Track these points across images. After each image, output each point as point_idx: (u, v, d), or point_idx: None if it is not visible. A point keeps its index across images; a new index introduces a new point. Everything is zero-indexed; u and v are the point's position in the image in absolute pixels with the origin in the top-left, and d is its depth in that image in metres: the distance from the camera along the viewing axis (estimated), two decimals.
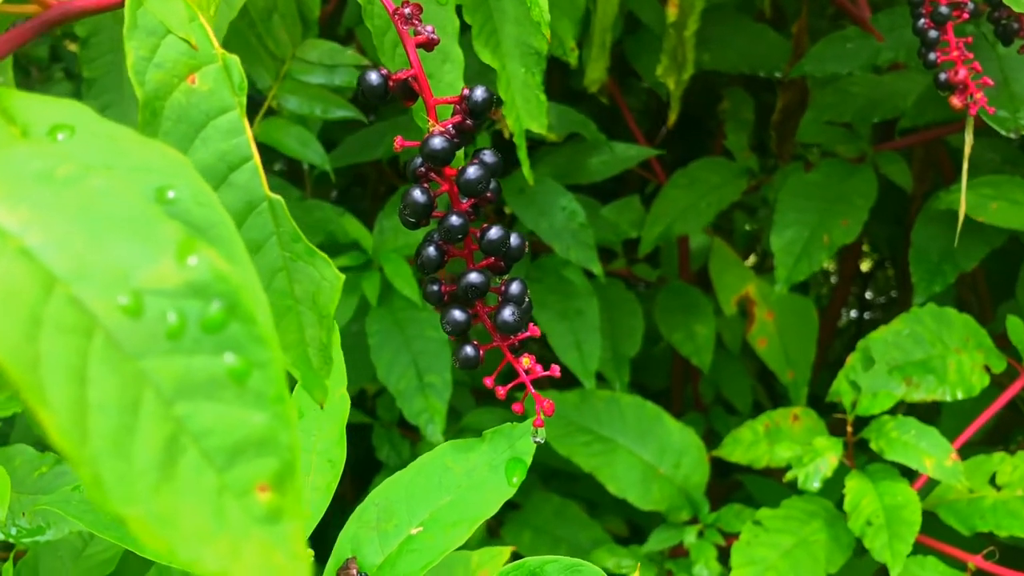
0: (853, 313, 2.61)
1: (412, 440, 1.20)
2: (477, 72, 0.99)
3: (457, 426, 1.20)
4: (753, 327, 1.35)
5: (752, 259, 2.14)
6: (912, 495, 0.88)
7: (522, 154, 0.76)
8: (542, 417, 0.44)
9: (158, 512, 0.19)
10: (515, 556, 1.22)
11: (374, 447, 1.17)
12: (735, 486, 1.62)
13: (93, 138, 0.24)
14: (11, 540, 0.66)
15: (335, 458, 0.48)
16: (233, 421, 0.20)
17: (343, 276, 0.34)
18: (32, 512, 0.64)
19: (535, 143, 1.41)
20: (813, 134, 1.24)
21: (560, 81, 1.54)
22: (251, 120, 1.40)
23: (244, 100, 0.32)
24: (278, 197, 0.33)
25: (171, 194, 0.24)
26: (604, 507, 1.51)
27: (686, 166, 1.30)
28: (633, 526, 1.52)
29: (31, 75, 1.65)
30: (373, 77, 0.41)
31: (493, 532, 1.25)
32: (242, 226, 0.33)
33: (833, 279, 2.32)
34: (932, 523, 0.96)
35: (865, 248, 2.19)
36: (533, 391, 0.43)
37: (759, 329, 1.35)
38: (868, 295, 2.70)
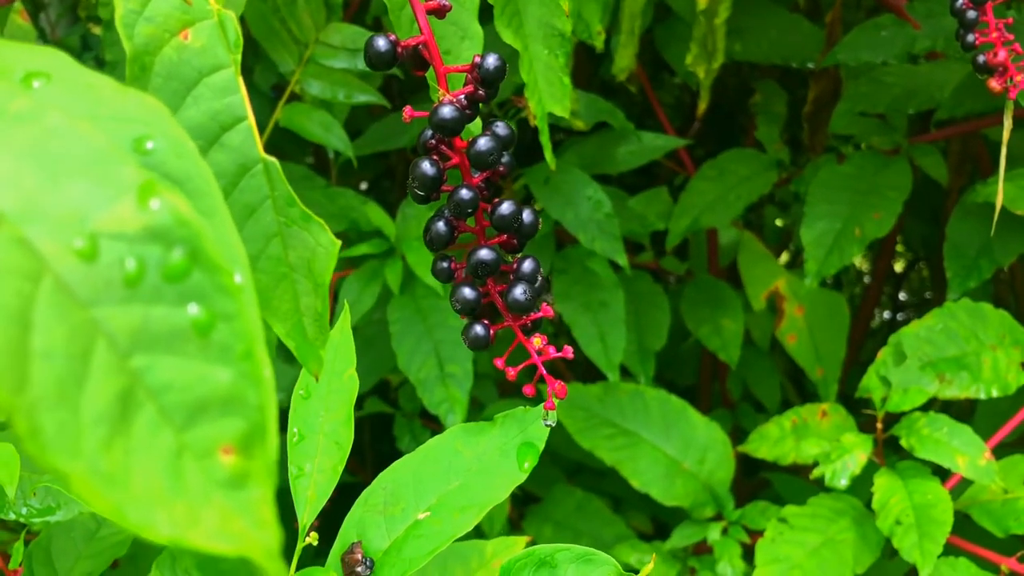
0: (887, 314, 2.58)
1: (433, 430, 1.18)
2: (505, 56, 0.96)
3: (479, 417, 1.19)
4: (782, 323, 1.32)
5: (784, 256, 2.11)
6: (943, 494, 0.86)
7: (544, 138, 0.75)
8: (554, 400, 0.42)
9: (106, 470, 0.18)
10: None
11: (395, 437, 1.16)
12: (762, 484, 1.60)
13: (70, 86, 0.22)
14: (22, 520, 0.65)
15: (342, 440, 0.47)
16: (195, 377, 0.19)
17: (339, 242, 0.33)
18: (42, 492, 0.63)
19: (563, 132, 1.39)
20: (846, 125, 1.21)
21: (590, 72, 1.52)
22: (274, 106, 1.40)
23: (239, 58, 0.31)
24: (273, 159, 0.32)
25: (149, 144, 0.22)
26: (629, 503, 1.49)
27: (715, 157, 1.28)
28: (658, 523, 1.50)
29: None
30: (380, 43, 0.39)
31: (514, 525, 1.24)
32: (235, 188, 0.31)
33: (867, 279, 2.28)
34: (964, 524, 0.93)
35: (899, 248, 2.16)
36: (545, 372, 0.41)
37: (788, 325, 1.32)
38: (902, 296, 2.67)
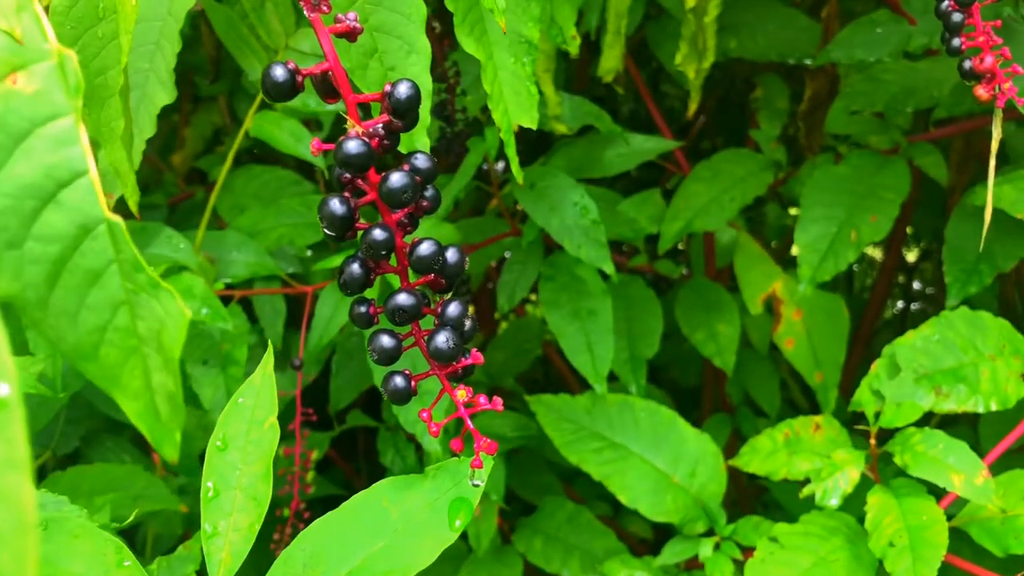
0: (900, 304, 2.54)
1: (418, 444, 1.15)
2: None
3: (466, 431, 1.16)
4: (780, 327, 1.29)
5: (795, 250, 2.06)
6: (939, 515, 0.82)
7: (510, 151, 0.71)
8: (481, 458, 0.39)
9: None
10: (526, 563, 1.18)
11: (378, 451, 1.13)
12: (763, 489, 1.56)
13: None
14: None
15: (260, 495, 0.44)
16: None
17: (189, 313, 0.29)
18: None
19: (549, 137, 1.36)
20: (843, 124, 1.17)
21: (586, 73, 1.49)
22: (243, 113, 1.37)
23: (80, 103, 0.27)
24: (117, 219, 0.28)
25: None
26: (627, 509, 1.46)
27: (709, 158, 1.24)
28: (659, 529, 1.47)
29: None
30: (278, 72, 0.36)
31: (504, 538, 1.21)
32: (75, 252, 0.28)
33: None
34: (963, 541, 0.90)
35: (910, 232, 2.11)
36: (472, 427, 0.38)
37: (786, 329, 1.28)
38: (916, 285, 2.63)
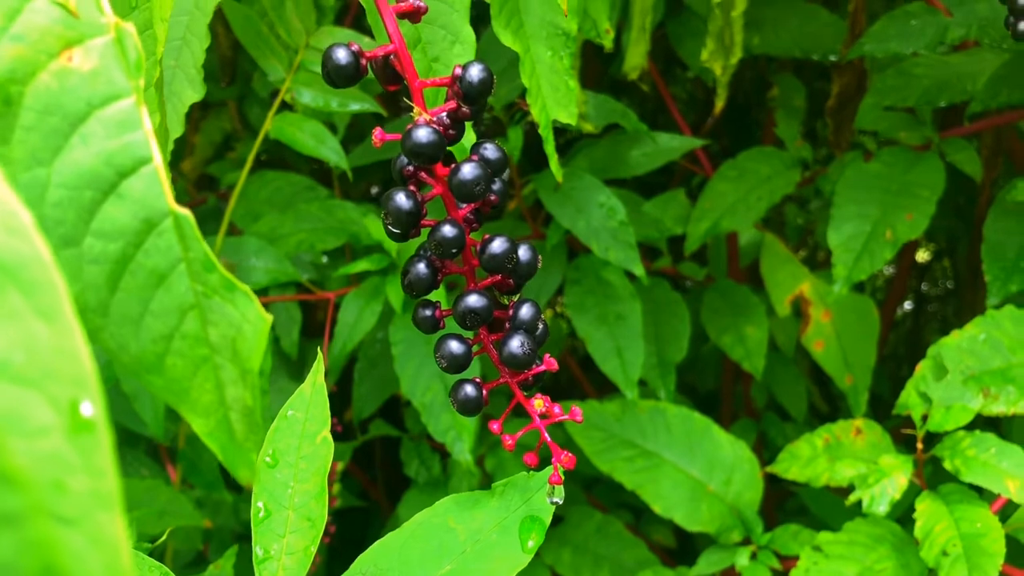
0: (907, 305, 2.51)
1: (444, 454, 1.12)
2: (511, 62, 0.91)
3: (491, 438, 1.13)
4: (808, 328, 1.26)
5: (801, 253, 2.04)
6: (994, 521, 0.79)
7: (549, 147, 0.68)
8: (560, 473, 0.36)
9: None
10: (553, 574, 1.15)
11: (402, 462, 1.10)
12: (787, 494, 1.53)
13: None
14: None
15: (315, 515, 0.41)
16: None
17: (270, 317, 0.26)
18: None
19: (573, 135, 1.33)
20: (873, 120, 1.14)
21: (600, 70, 1.46)
22: (254, 118, 1.33)
23: (141, 84, 0.24)
24: (185, 212, 0.25)
25: None
26: (649, 517, 1.43)
27: (734, 157, 1.21)
28: (681, 536, 1.44)
29: None
30: (340, 54, 0.33)
31: None
32: (139, 251, 0.25)
33: (888, 270, 2.21)
34: (1014, 548, 0.86)
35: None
36: (549, 440, 0.35)
37: (815, 331, 1.25)
38: (924, 287, 2.61)
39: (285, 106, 0.95)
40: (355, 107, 0.90)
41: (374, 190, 1.75)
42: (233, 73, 1.26)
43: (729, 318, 1.26)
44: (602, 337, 1.06)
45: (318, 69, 0.91)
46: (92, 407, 0.14)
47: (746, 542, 1.00)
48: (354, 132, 1.36)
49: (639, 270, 1.03)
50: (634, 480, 1.01)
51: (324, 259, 1.19)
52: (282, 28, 0.91)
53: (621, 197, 1.09)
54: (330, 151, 0.92)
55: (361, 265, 0.98)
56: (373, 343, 1.09)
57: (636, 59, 1.08)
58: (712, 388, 1.74)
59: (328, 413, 0.42)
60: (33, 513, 0.12)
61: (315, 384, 0.43)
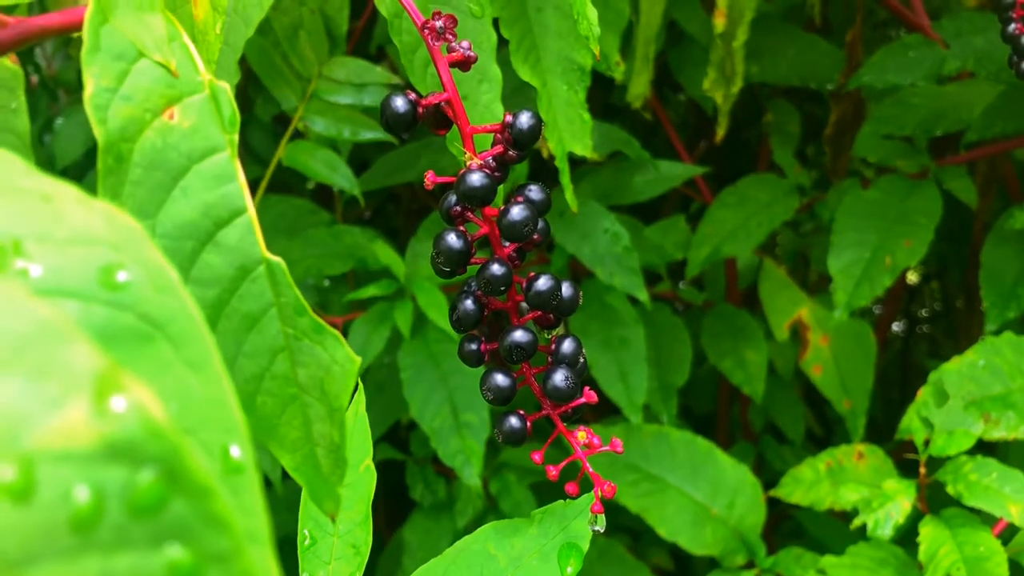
0: (895, 326, 2.53)
1: (448, 477, 1.13)
2: (514, 89, 0.92)
3: (495, 461, 1.14)
4: (807, 353, 1.27)
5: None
6: (996, 546, 0.80)
7: (565, 179, 0.70)
8: (601, 502, 0.37)
9: None
10: None
11: (407, 486, 1.11)
12: (783, 516, 1.54)
13: (17, 197, 0.17)
14: None
15: (360, 542, 0.42)
16: None
17: (358, 359, 0.27)
18: None
19: (576, 163, 1.35)
20: (871, 148, 1.16)
21: (598, 97, 1.48)
22: (258, 144, 1.35)
23: (236, 138, 0.26)
24: (278, 260, 0.26)
25: (121, 276, 0.17)
26: (648, 538, 1.43)
27: (734, 183, 1.23)
28: (678, 558, 1.45)
29: (59, 99, 1.61)
30: (399, 103, 0.35)
31: None
32: (234, 296, 0.26)
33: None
34: (1016, 571, 0.88)
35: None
36: (591, 470, 0.36)
37: (813, 355, 1.27)
38: (913, 308, 2.63)
39: (297, 134, 0.97)
40: (368, 135, 0.92)
41: (367, 214, 1.76)
42: (245, 102, 1.27)
43: (730, 342, 1.27)
44: (607, 362, 1.08)
45: (331, 98, 0.93)
46: (240, 451, 0.15)
47: (750, 565, 1.01)
48: (352, 157, 1.37)
49: (643, 295, 1.04)
50: (639, 504, 1.02)
51: (326, 283, 1.20)
52: (295, 58, 0.92)
53: (623, 223, 1.11)
54: (343, 178, 0.93)
55: (370, 291, 0.99)
56: (380, 368, 1.10)
57: (639, 88, 1.10)
58: (707, 410, 1.75)
59: (370, 442, 0.43)
60: (236, 554, 0.13)
61: (357, 414, 0.44)
